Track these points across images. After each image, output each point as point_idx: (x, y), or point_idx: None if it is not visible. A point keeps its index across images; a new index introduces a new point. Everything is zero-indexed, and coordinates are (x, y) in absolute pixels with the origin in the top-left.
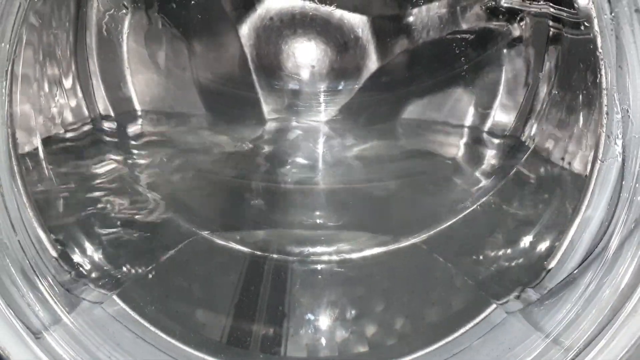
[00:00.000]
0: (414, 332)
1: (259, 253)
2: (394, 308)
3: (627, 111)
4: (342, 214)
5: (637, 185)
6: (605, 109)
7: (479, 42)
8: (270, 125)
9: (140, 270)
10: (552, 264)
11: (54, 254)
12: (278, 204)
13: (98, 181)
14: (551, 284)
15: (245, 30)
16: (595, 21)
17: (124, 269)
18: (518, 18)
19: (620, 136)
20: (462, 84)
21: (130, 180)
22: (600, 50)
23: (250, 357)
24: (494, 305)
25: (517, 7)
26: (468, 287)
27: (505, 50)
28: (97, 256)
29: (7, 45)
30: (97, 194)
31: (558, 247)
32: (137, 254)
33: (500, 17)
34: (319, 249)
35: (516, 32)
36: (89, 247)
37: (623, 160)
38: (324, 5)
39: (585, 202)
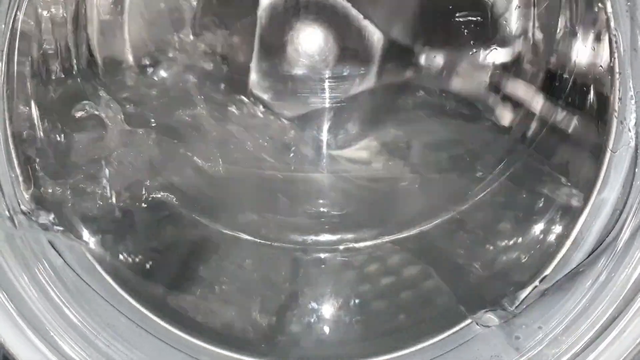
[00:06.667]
0: (414, 326)
1: (260, 241)
2: (395, 301)
3: None
4: (347, 202)
5: None
6: (618, 93)
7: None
8: (273, 111)
9: (137, 259)
10: (560, 254)
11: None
12: (280, 192)
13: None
14: (558, 276)
15: None
16: (609, 3)
17: (120, 256)
18: None
19: (633, 121)
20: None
21: (125, 163)
22: (614, 32)
23: (252, 346)
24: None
25: None
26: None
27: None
28: (93, 242)
29: None
30: (92, 171)
31: (567, 237)
32: (133, 243)
33: None
34: (322, 238)
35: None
36: (85, 233)
37: (636, 146)
38: None
39: (596, 191)
